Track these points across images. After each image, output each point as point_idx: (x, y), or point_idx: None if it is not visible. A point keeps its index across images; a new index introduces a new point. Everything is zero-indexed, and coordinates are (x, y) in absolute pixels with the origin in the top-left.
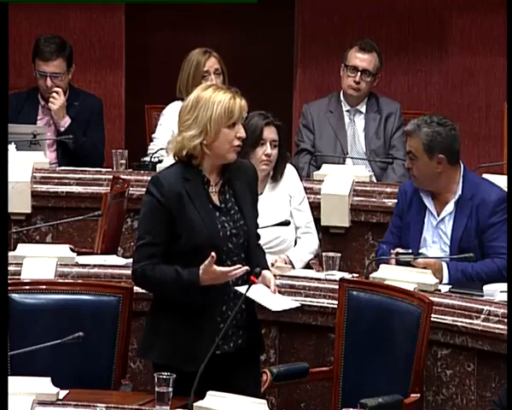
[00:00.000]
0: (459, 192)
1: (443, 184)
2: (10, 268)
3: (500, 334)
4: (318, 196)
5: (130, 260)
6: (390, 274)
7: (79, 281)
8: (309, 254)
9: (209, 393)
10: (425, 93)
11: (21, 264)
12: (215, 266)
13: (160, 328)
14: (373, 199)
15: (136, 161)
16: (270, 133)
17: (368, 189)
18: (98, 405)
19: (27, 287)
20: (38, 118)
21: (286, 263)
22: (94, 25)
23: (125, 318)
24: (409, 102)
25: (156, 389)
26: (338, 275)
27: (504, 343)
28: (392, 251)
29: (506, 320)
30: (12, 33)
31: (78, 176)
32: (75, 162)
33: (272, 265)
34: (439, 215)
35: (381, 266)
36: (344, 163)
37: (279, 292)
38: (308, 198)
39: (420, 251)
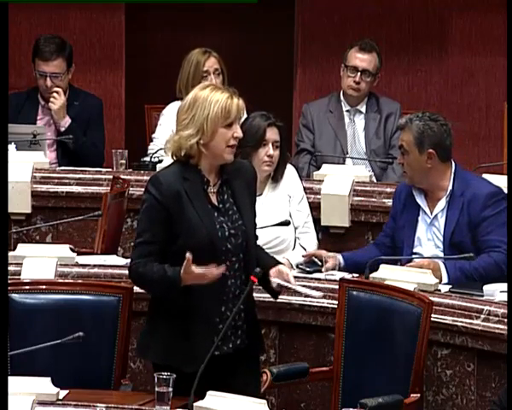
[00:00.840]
0: (450, 189)
1: (434, 181)
2: (10, 268)
3: (500, 334)
4: (318, 196)
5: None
6: (390, 274)
7: (79, 281)
8: None
9: (209, 393)
10: (425, 93)
11: (21, 264)
12: (193, 267)
13: (159, 328)
14: (373, 199)
15: (136, 161)
16: (272, 134)
17: (368, 189)
18: (98, 405)
19: (27, 287)
20: (38, 118)
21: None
22: (94, 25)
23: (125, 318)
24: (409, 102)
25: (156, 389)
26: (338, 275)
27: (504, 343)
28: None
29: (506, 320)
30: (12, 33)
31: (78, 176)
32: (75, 162)
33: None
34: (431, 213)
35: (381, 266)
36: (344, 163)
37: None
38: (308, 198)
39: (414, 250)
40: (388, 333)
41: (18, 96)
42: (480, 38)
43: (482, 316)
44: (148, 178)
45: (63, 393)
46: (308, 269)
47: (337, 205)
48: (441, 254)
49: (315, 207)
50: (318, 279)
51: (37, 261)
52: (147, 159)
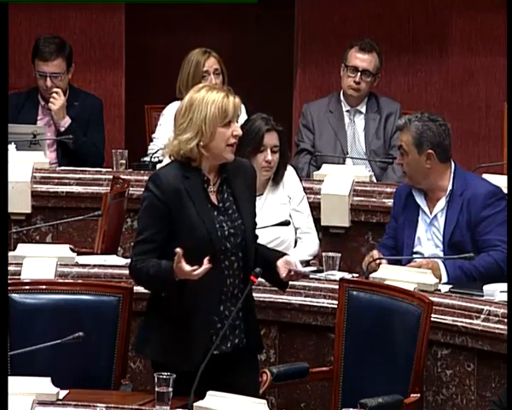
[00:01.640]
0: (450, 189)
1: (433, 182)
2: (10, 268)
3: (500, 334)
4: (318, 196)
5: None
6: (390, 274)
7: (79, 281)
8: (308, 256)
9: (209, 393)
10: (425, 93)
11: (21, 264)
12: (183, 264)
13: (157, 326)
14: (373, 199)
15: (136, 161)
16: (270, 139)
17: (368, 189)
18: (98, 405)
19: (27, 287)
20: (38, 118)
21: None
22: (94, 25)
23: (125, 318)
24: (409, 102)
25: (156, 389)
26: (338, 275)
27: (504, 343)
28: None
29: (506, 320)
30: (12, 33)
31: (78, 176)
32: (75, 162)
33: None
34: (431, 213)
35: (381, 266)
36: (344, 163)
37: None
38: (308, 198)
39: (415, 250)
40: (388, 333)
41: (18, 96)
42: (480, 38)
43: (482, 316)
44: (147, 178)
45: (63, 393)
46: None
47: (337, 205)
48: (441, 254)
49: (315, 207)
50: (318, 279)
51: (37, 261)
52: (147, 159)
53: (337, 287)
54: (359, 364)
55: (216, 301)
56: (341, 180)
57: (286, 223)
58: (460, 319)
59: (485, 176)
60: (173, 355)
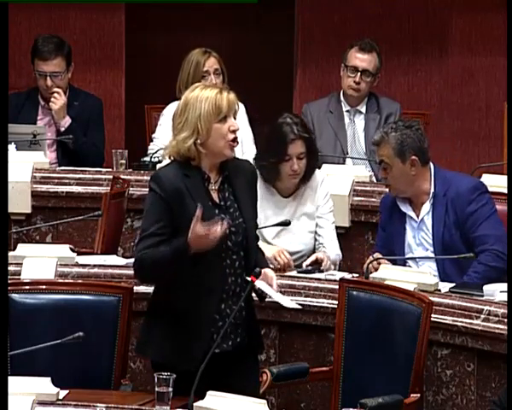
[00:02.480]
0: (432, 191)
1: (418, 187)
2: (10, 268)
3: (500, 334)
4: None
5: (131, 260)
6: (390, 274)
7: (79, 281)
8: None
9: (209, 393)
10: (425, 93)
11: (21, 264)
12: (200, 226)
13: (157, 325)
14: (373, 199)
15: (136, 161)
16: (295, 148)
17: (368, 189)
18: (98, 405)
19: (27, 287)
20: (38, 118)
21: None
22: (94, 25)
23: (125, 318)
24: (409, 102)
25: (156, 389)
26: (338, 275)
27: (504, 343)
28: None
29: (506, 320)
30: (12, 33)
31: (78, 176)
32: (75, 162)
33: (321, 261)
34: (418, 217)
35: (381, 266)
36: (344, 163)
37: (280, 292)
38: None
39: (406, 258)
40: (388, 333)
41: (18, 96)
42: (480, 38)
43: (482, 316)
44: (148, 178)
45: (63, 393)
46: (309, 268)
47: (337, 205)
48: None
49: None
50: (318, 279)
51: (37, 261)
52: (147, 159)
53: (337, 287)
54: (359, 364)
55: (217, 300)
56: (341, 180)
57: (286, 223)
58: (460, 319)
59: (485, 176)
60: (174, 355)
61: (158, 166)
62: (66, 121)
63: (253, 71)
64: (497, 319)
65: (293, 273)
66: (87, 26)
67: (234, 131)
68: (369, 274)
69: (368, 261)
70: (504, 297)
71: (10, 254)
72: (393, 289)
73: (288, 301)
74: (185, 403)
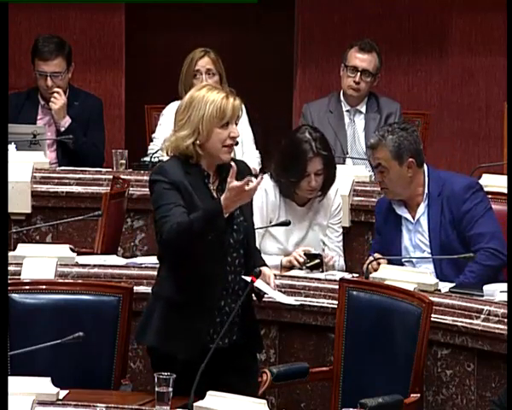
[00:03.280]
0: (426, 192)
1: (413, 189)
2: (10, 268)
3: (500, 334)
4: None
5: (131, 260)
6: (390, 274)
7: (79, 281)
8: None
9: (209, 393)
10: (425, 93)
11: (21, 264)
12: (235, 181)
13: (156, 314)
14: (373, 199)
15: (136, 161)
16: (314, 166)
17: (368, 189)
18: (98, 405)
19: (27, 287)
20: (38, 118)
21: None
22: (94, 25)
23: (125, 318)
24: (409, 102)
25: (156, 389)
26: (338, 275)
27: (504, 343)
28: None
29: (506, 320)
30: (12, 33)
31: (78, 176)
32: (75, 162)
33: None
34: (414, 219)
35: (381, 266)
36: (344, 163)
37: (280, 292)
38: None
39: (403, 260)
40: (388, 333)
41: (18, 96)
42: (480, 38)
43: (482, 316)
44: (147, 178)
45: (63, 393)
46: (308, 265)
47: None
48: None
49: None
50: (318, 279)
51: (37, 261)
52: (147, 159)
53: (337, 287)
54: (359, 364)
55: (217, 296)
56: (341, 180)
57: (286, 223)
58: (460, 319)
59: (485, 176)
60: (170, 342)
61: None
62: (66, 121)
63: (253, 71)
64: (497, 319)
65: (293, 273)
66: (87, 26)
67: (233, 138)
68: (369, 274)
69: (367, 262)
70: (504, 297)
71: (10, 254)
72: (393, 289)
73: (287, 298)
74: (185, 403)
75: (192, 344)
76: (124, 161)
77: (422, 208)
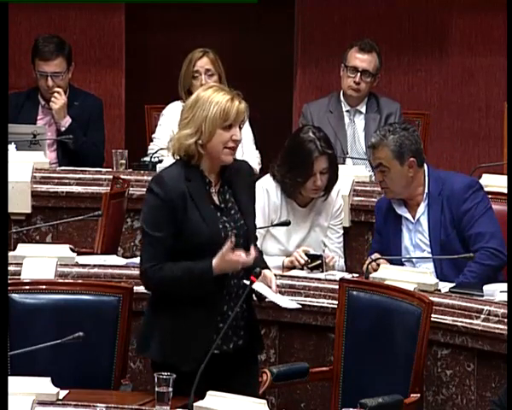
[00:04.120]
0: (426, 191)
1: (413, 189)
2: (10, 268)
3: (500, 334)
4: None
5: (131, 260)
6: (390, 274)
7: (79, 281)
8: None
9: (209, 393)
10: (425, 93)
11: (21, 264)
12: (231, 255)
13: (158, 325)
14: (373, 199)
15: (136, 161)
16: (319, 164)
17: (368, 189)
18: (98, 405)
19: (27, 287)
20: (38, 118)
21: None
22: (94, 25)
23: (125, 318)
24: (409, 102)
25: (156, 389)
26: (338, 275)
27: (504, 343)
28: (371, 256)
29: (506, 320)
30: (12, 33)
31: (78, 176)
32: (75, 162)
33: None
34: (414, 218)
35: (381, 266)
36: (344, 163)
37: (279, 292)
38: None
39: (403, 260)
40: (388, 333)
41: (18, 96)
42: (480, 38)
43: (482, 316)
44: (148, 178)
45: (63, 393)
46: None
47: None
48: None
49: None
50: (318, 279)
51: (37, 261)
52: (147, 159)
53: (337, 287)
54: (359, 364)
55: (220, 301)
56: (341, 180)
57: (286, 223)
58: (460, 319)
59: (485, 176)
60: (174, 355)
61: (158, 166)
62: (67, 121)
63: (253, 71)
64: (497, 319)
65: (293, 273)
66: (87, 26)
67: (235, 141)
68: (369, 274)
69: (367, 262)
70: (504, 297)
71: (10, 254)
72: (393, 289)
73: (288, 302)
74: (185, 403)
75: (196, 354)
76: (124, 161)
77: (422, 208)
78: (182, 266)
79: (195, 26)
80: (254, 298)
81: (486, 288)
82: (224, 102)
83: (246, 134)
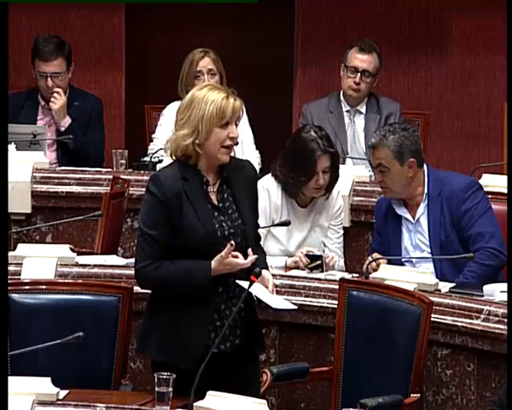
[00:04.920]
0: (426, 192)
1: (413, 189)
2: (10, 268)
3: (500, 334)
4: None
5: (131, 260)
6: (390, 274)
7: (79, 281)
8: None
9: (209, 393)
10: (425, 93)
11: (21, 264)
12: (230, 258)
13: (157, 324)
14: (373, 199)
15: (136, 161)
16: (322, 163)
17: (368, 189)
18: (98, 405)
19: (27, 287)
20: (38, 118)
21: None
22: (94, 25)
23: (125, 318)
24: (409, 102)
25: (156, 389)
26: (338, 275)
27: (504, 343)
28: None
29: (506, 320)
30: (12, 33)
31: (78, 176)
32: (75, 162)
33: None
34: (414, 218)
35: (381, 266)
36: (344, 163)
37: (279, 292)
38: None
39: (403, 260)
40: (388, 333)
41: (18, 96)
42: (480, 38)
43: (482, 316)
44: (148, 178)
45: (63, 393)
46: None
47: None
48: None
49: None
50: (318, 279)
51: (37, 261)
52: (147, 159)
53: (337, 287)
54: (359, 364)
55: (217, 300)
56: (341, 180)
57: (286, 223)
58: (460, 319)
59: (485, 176)
60: (173, 354)
61: (158, 166)
62: (67, 121)
63: (253, 71)
64: (497, 319)
65: (293, 273)
66: (87, 26)
67: (232, 139)
68: (369, 275)
69: (367, 262)
70: (504, 297)
71: (10, 254)
72: (393, 289)
73: (282, 303)
74: (185, 403)
75: (194, 352)
76: (124, 161)
77: (422, 208)
78: (179, 266)
79: (195, 26)
80: (255, 299)
81: (486, 288)
82: (220, 100)
83: (246, 134)
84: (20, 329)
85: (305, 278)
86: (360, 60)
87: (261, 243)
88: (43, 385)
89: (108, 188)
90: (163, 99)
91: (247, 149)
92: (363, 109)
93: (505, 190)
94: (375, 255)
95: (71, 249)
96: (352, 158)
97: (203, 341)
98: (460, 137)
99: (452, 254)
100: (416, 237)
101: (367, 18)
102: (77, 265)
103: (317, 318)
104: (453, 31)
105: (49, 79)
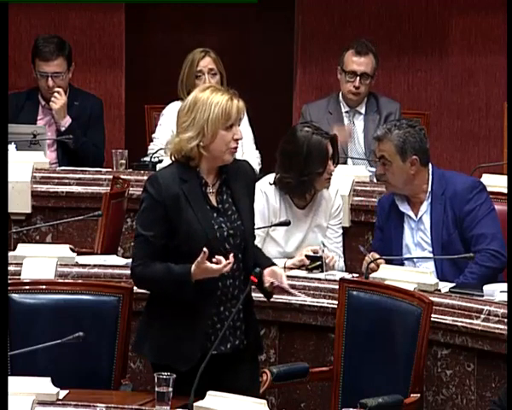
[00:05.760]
0: (429, 190)
1: (416, 186)
2: (10, 268)
3: (500, 334)
4: None
5: (130, 261)
6: (390, 274)
7: (79, 281)
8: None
9: (209, 393)
10: (425, 93)
11: (21, 264)
12: (207, 263)
13: (155, 326)
14: (373, 199)
15: (136, 161)
16: (329, 149)
17: (368, 189)
18: (98, 405)
19: (27, 287)
20: (39, 118)
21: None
22: (94, 25)
23: (125, 318)
24: (409, 102)
25: (156, 389)
26: (338, 275)
27: (504, 343)
28: (368, 255)
29: (506, 320)
30: (12, 33)
31: (78, 176)
32: (75, 162)
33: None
34: (416, 216)
35: (381, 266)
36: (344, 163)
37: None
38: None
39: (404, 257)
40: (388, 333)
41: (18, 96)
42: (480, 38)
43: (482, 316)
44: (147, 178)
45: (63, 393)
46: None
47: None
48: (430, 256)
49: None
50: (318, 279)
51: (37, 261)
52: (147, 159)
53: (337, 287)
54: (359, 364)
55: (216, 302)
56: (341, 180)
57: (286, 223)
58: (460, 319)
59: (485, 176)
60: (171, 356)
61: (158, 166)
62: (67, 121)
63: (253, 71)
64: (497, 319)
65: (293, 273)
66: (87, 26)
67: (237, 140)
68: (369, 274)
69: (366, 262)
70: (504, 297)
71: (10, 254)
72: (393, 289)
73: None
74: (185, 403)
75: (193, 354)
76: (124, 161)
77: (425, 206)
78: (164, 266)
79: (195, 26)
80: (263, 297)
81: (486, 288)
82: (225, 102)
83: (246, 134)
84: (20, 329)
85: (305, 278)
86: (358, 63)
87: (260, 246)
88: (43, 385)
89: (108, 188)
90: (163, 99)
91: (247, 150)
92: (363, 110)
93: (505, 190)
94: (374, 255)
95: (71, 249)
96: (351, 158)
97: (203, 344)
98: (460, 137)
99: (454, 254)
100: (417, 235)
101: (367, 18)
102: (77, 265)
103: (317, 318)
104: (453, 31)
105: (49, 78)
